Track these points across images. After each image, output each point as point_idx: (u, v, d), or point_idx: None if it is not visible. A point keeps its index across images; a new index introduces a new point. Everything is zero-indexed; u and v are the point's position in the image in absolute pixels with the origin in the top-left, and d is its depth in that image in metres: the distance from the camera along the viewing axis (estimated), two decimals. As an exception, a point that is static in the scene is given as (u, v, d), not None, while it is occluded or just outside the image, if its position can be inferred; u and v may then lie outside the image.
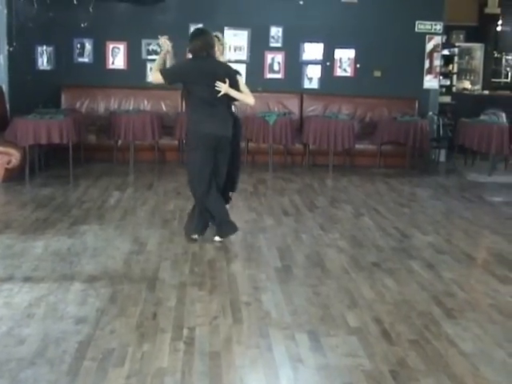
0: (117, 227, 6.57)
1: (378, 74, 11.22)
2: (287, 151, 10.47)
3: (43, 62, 10.84)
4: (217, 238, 6.11)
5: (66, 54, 10.79)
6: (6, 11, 10.39)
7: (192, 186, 6.08)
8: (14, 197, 7.94)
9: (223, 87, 5.83)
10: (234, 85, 5.97)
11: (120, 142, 10.05)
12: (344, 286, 5.08)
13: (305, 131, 10.19)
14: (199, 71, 5.88)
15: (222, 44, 6.71)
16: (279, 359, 3.84)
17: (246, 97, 6.08)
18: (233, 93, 5.94)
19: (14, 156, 8.48)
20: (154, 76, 6.00)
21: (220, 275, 5.28)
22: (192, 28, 10.76)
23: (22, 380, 3.49)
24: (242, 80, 6.19)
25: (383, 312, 4.58)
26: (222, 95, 5.86)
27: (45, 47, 10.78)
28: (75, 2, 10.27)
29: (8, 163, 8.48)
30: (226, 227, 6.11)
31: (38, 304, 4.51)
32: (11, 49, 10.53)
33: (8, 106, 10.36)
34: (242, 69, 11.07)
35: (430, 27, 11.15)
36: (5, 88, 10.37)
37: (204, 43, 5.93)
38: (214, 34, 6.30)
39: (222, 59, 6.44)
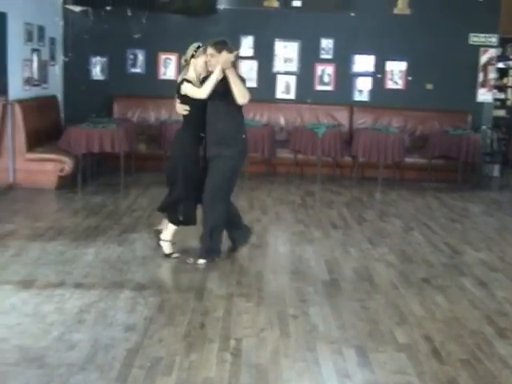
0: (166, 236, 6.62)
1: (429, 86, 11.09)
2: (336, 163, 10.42)
3: (97, 72, 11.05)
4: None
5: (119, 65, 10.98)
6: (62, 23, 10.66)
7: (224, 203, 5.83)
8: (66, 204, 8.09)
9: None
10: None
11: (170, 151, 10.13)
12: (393, 302, 5.02)
13: (354, 144, 10.12)
14: None
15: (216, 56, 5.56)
16: (326, 374, 3.81)
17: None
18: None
19: (67, 164, 8.65)
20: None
21: (267, 287, 5.27)
22: (243, 40, 10.92)
23: (72, 385, 3.55)
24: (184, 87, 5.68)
25: (433, 330, 4.50)
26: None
27: (99, 58, 10.99)
28: (129, 13, 10.49)
29: (61, 171, 8.65)
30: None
31: (89, 310, 4.57)
32: (66, 59, 10.80)
33: (62, 114, 10.60)
34: (291, 80, 11.19)
35: (484, 40, 10.98)
36: (59, 97, 10.62)
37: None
38: (206, 43, 5.64)
39: (199, 73, 5.74)
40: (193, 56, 5.70)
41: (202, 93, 5.55)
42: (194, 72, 5.71)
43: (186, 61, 5.76)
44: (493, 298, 5.20)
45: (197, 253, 5.82)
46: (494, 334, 4.48)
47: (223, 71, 5.48)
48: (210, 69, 5.61)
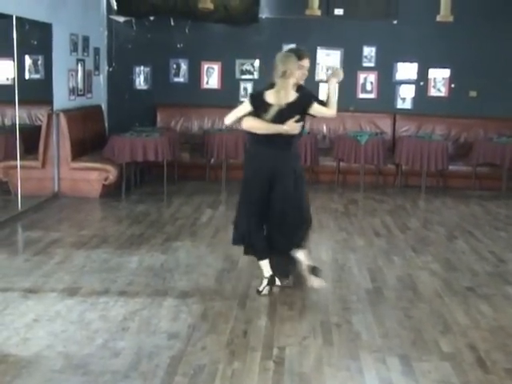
0: (209, 244, 6.68)
1: (473, 94, 10.94)
2: (379, 171, 10.35)
3: (140, 81, 11.19)
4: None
5: (162, 74, 11.11)
6: (106, 33, 10.85)
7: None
8: (110, 212, 8.21)
9: None
10: None
11: (213, 160, 10.22)
12: (437, 310, 4.96)
13: (397, 151, 10.05)
14: None
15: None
16: (370, 383, 3.79)
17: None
18: None
19: (111, 173, 8.78)
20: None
21: (310, 295, 5.27)
22: (285, 48, 10.93)
23: (116, 392, 3.60)
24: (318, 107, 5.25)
25: (478, 339, 4.44)
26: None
27: (142, 67, 11.14)
28: (172, 23, 10.62)
29: (105, 179, 8.78)
30: None
31: (133, 318, 4.63)
32: (111, 69, 10.98)
33: (106, 124, 10.78)
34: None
35: (530, 45, 10.80)
36: (104, 107, 10.80)
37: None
38: (299, 53, 5.27)
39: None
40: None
41: (332, 111, 5.26)
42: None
43: (284, 72, 4.94)
44: (540, 308, 5.12)
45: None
46: (541, 344, 4.40)
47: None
48: (300, 81, 5.29)
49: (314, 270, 5.33)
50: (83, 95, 9.96)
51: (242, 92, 11.11)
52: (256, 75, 11.08)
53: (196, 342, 4.26)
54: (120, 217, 7.92)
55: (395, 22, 10.83)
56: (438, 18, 9.69)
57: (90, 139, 9.55)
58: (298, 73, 5.14)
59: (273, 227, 5.26)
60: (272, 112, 4.97)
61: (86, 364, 3.89)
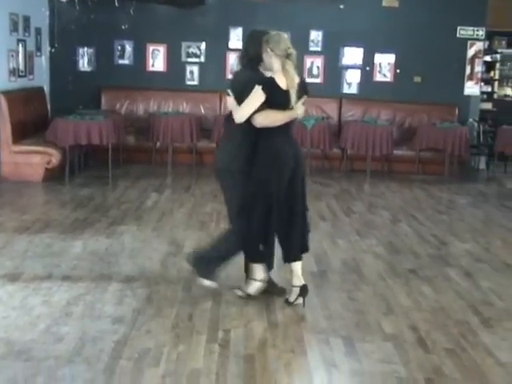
0: (154, 229, 6.63)
1: (418, 79, 11.11)
2: (325, 156, 10.44)
3: (84, 63, 10.99)
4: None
5: (106, 56, 10.93)
6: (48, 13, 10.60)
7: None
8: (53, 196, 8.07)
9: None
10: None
11: (159, 143, 10.14)
12: (380, 293, 5.05)
13: (343, 136, 10.15)
14: None
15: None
16: (313, 363, 3.83)
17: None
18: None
19: (54, 156, 8.61)
20: None
21: (255, 278, 5.26)
22: (232, 31, 10.90)
23: (59, 378, 3.54)
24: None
25: (419, 320, 4.54)
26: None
27: (86, 49, 10.93)
28: (116, 4, 10.43)
29: (48, 163, 8.61)
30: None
31: (76, 303, 4.57)
32: (53, 50, 10.74)
33: (49, 106, 10.55)
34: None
35: (471, 33, 11.01)
36: (46, 89, 10.57)
37: None
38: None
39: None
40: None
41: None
42: None
43: (288, 52, 4.67)
44: (478, 288, 5.25)
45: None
46: (479, 323, 4.52)
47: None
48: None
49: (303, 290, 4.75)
50: (24, 76, 9.73)
51: (188, 75, 11.04)
52: (203, 58, 11.01)
53: (141, 325, 4.23)
54: (64, 201, 7.79)
55: (342, 6, 10.88)
56: (384, 3, 9.82)
57: (32, 122, 9.33)
58: None
59: (293, 228, 4.69)
60: (294, 98, 4.51)
61: (29, 350, 3.82)
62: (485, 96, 13.39)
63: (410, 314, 4.65)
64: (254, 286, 4.80)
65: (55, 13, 10.60)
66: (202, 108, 10.95)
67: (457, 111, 11.03)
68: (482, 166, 11.23)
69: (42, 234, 6.26)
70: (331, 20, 10.93)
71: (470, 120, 11.06)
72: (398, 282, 5.30)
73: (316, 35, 11.07)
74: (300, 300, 4.67)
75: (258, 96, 4.45)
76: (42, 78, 10.47)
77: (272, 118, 4.50)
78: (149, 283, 5.03)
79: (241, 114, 4.48)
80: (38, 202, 7.82)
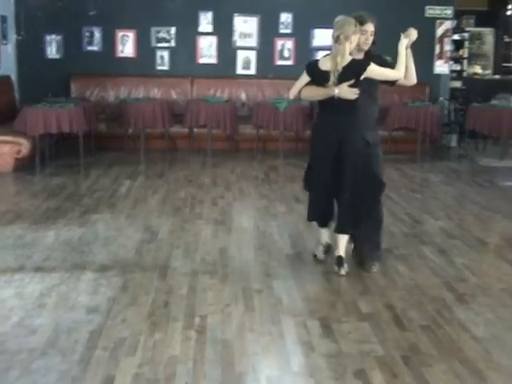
0: (128, 216, 6.57)
1: (388, 59, 11.06)
2: (298, 138, 10.42)
3: (52, 50, 10.83)
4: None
5: (74, 43, 10.78)
6: (13, 0, 10.39)
7: None
8: (24, 187, 7.96)
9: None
10: None
11: (130, 130, 10.05)
12: (356, 273, 5.05)
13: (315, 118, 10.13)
14: None
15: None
16: (291, 346, 3.83)
17: None
18: None
19: (24, 146, 8.48)
20: None
21: (232, 263, 5.26)
22: (202, 15, 10.80)
23: (33, 370, 3.49)
24: (376, 68, 5.27)
25: (395, 298, 4.56)
26: None
27: (53, 36, 10.76)
28: (84, -10, 10.29)
29: (18, 153, 8.47)
30: None
31: (50, 294, 4.51)
32: (19, 37, 10.56)
33: (17, 95, 10.39)
34: (251, 56, 11.12)
35: (440, 12, 11.03)
36: (13, 77, 10.40)
37: None
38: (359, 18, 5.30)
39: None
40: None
41: (399, 73, 5.31)
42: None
43: (338, 37, 4.95)
44: (452, 265, 5.29)
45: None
46: (454, 299, 4.56)
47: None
48: (363, 47, 5.22)
49: (340, 260, 5.04)
50: (-10, 65, 9.57)
51: (158, 60, 10.94)
52: (173, 43, 10.90)
53: (116, 315, 4.19)
54: (35, 191, 7.69)
55: (311, -13, 10.81)
56: (353, -17, 9.69)
57: (-1, 111, 9.19)
58: (357, 38, 5.09)
59: (340, 203, 5.09)
60: (332, 78, 4.87)
61: (1, 343, 3.77)
62: (454, 74, 13.46)
63: (386, 292, 4.67)
64: (319, 249, 5.35)
65: (21, 0, 10.41)
66: (173, 93, 10.87)
67: (427, 90, 11.07)
68: (454, 143, 11.31)
69: (13, 225, 6.17)
70: (301, 1, 10.88)
71: (441, 98, 11.11)
72: (373, 262, 5.31)
73: (286, 17, 11.02)
74: (335, 268, 5.03)
75: (303, 76, 5.10)
76: (8, 66, 10.28)
77: (308, 93, 5.10)
78: (124, 271, 4.98)
79: (291, 91, 5.18)
80: (8, 193, 7.71)
